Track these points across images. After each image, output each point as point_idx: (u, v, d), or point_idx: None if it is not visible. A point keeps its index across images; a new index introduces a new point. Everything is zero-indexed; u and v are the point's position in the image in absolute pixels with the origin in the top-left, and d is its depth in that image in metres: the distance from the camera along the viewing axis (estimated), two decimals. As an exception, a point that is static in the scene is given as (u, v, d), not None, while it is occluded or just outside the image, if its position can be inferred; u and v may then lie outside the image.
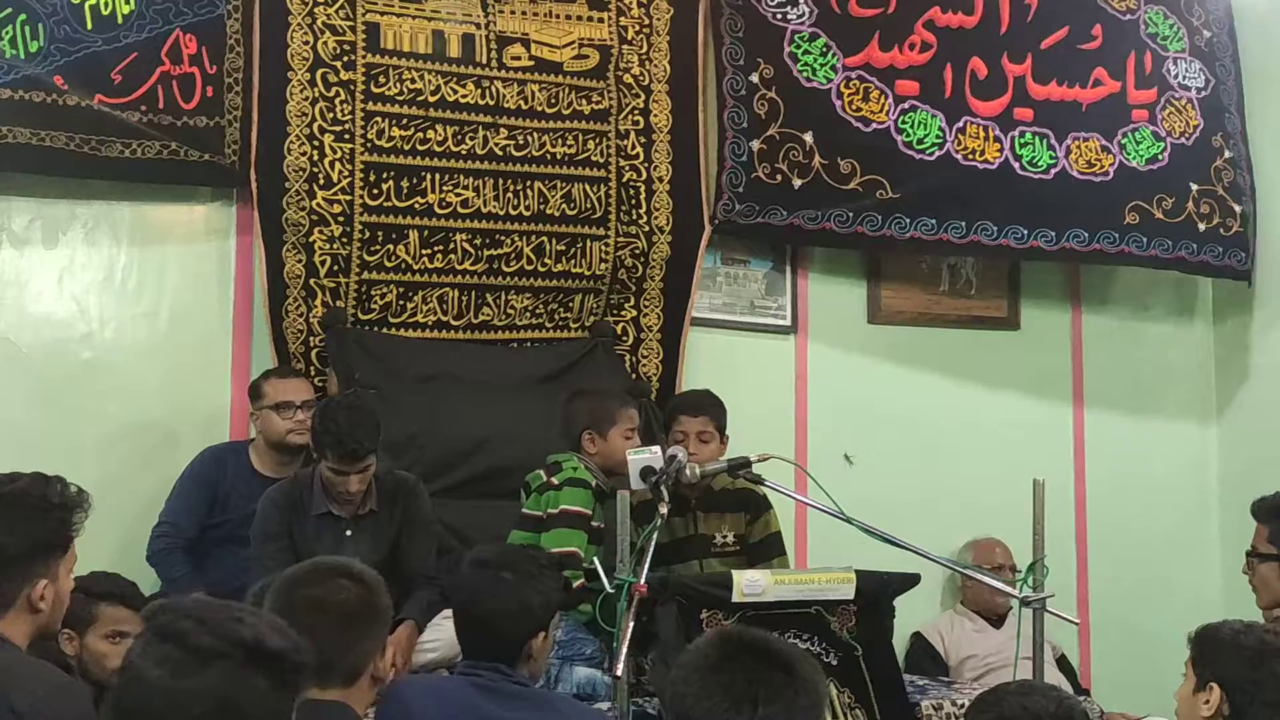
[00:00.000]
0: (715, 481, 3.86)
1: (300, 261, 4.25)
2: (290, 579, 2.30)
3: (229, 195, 4.31)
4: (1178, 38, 5.43)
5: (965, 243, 5.05)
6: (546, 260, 4.54)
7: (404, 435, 4.07)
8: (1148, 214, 5.24)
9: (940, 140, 5.01)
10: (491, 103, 4.45)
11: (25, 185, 4.08)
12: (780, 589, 3.22)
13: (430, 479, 3.96)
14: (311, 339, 4.28)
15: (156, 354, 4.24)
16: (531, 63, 4.54)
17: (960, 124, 5.04)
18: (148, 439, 4.19)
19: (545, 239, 4.53)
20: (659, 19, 4.75)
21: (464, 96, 4.43)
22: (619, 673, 2.72)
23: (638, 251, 4.66)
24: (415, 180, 4.36)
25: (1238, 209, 5.39)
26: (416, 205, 4.36)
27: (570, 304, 4.62)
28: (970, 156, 5.05)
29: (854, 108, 4.92)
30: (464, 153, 4.41)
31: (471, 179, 4.43)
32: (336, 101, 4.28)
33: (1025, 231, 5.09)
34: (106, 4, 4.07)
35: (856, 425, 5.02)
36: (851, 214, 4.87)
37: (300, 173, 4.22)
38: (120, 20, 4.09)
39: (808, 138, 4.85)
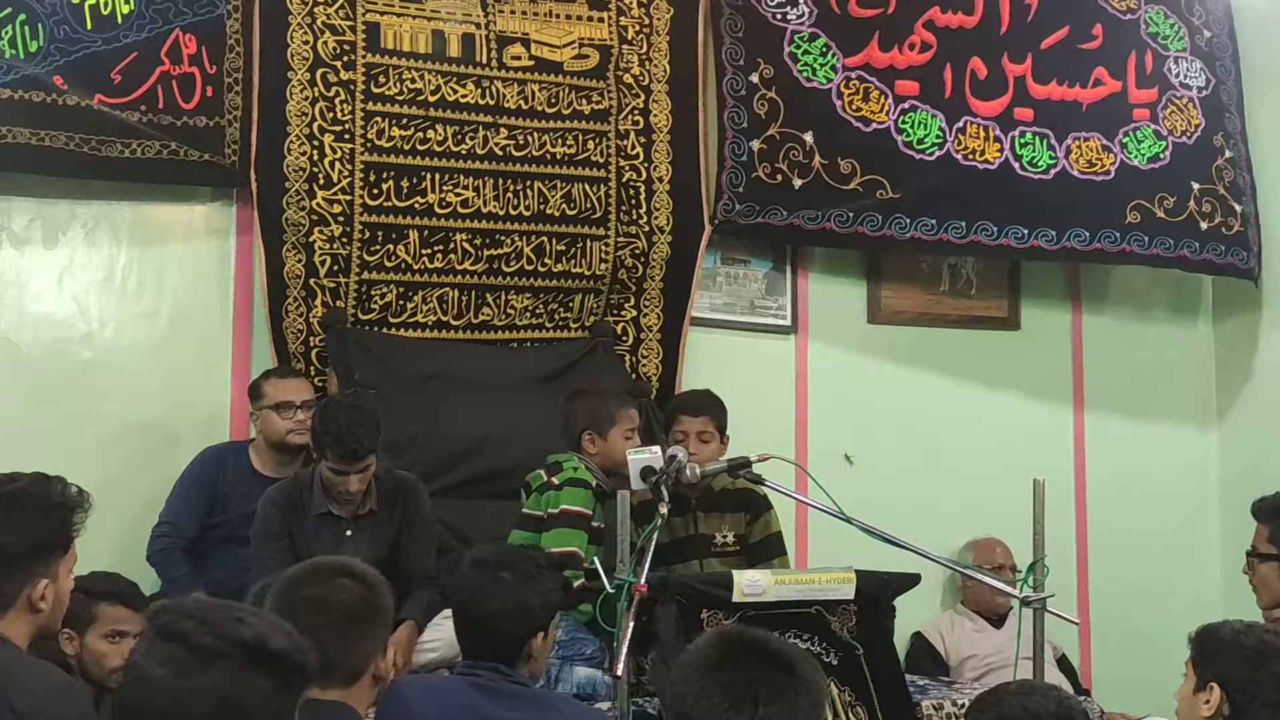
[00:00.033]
0: (715, 481, 3.86)
1: (300, 261, 4.25)
2: (291, 579, 2.30)
3: (229, 195, 4.31)
4: (1178, 37, 5.43)
5: (965, 243, 5.05)
6: (546, 260, 4.54)
7: (404, 435, 4.07)
8: (1149, 213, 5.24)
9: (940, 140, 5.01)
10: (491, 102, 4.45)
11: (25, 185, 4.08)
12: (780, 589, 3.22)
13: (430, 479, 3.96)
14: (311, 339, 4.28)
15: (156, 354, 4.24)
16: (531, 62, 4.54)
17: (960, 124, 5.05)
18: (148, 439, 4.19)
19: (545, 239, 4.53)
20: (659, 19, 4.75)
21: (464, 96, 4.43)
22: (619, 673, 2.71)
23: (638, 251, 4.66)
24: (415, 180, 4.35)
25: (1238, 208, 5.39)
26: (416, 205, 4.36)
27: (570, 304, 4.62)
28: (970, 156, 5.05)
29: (854, 108, 4.92)
30: (464, 153, 4.41)
31: (471, 179, 4.43)
32: (336, 101, 4.28)
33: (1026, 231, 5.09)
34: (106, 4, 4.07)
35: (856, 425, 5.02)
36: (851, 214, 4.87)
37: (300, 173, 4.22)
38: (120, 20, 4.09)
39: (808, 138, 4.85)
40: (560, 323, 4.62)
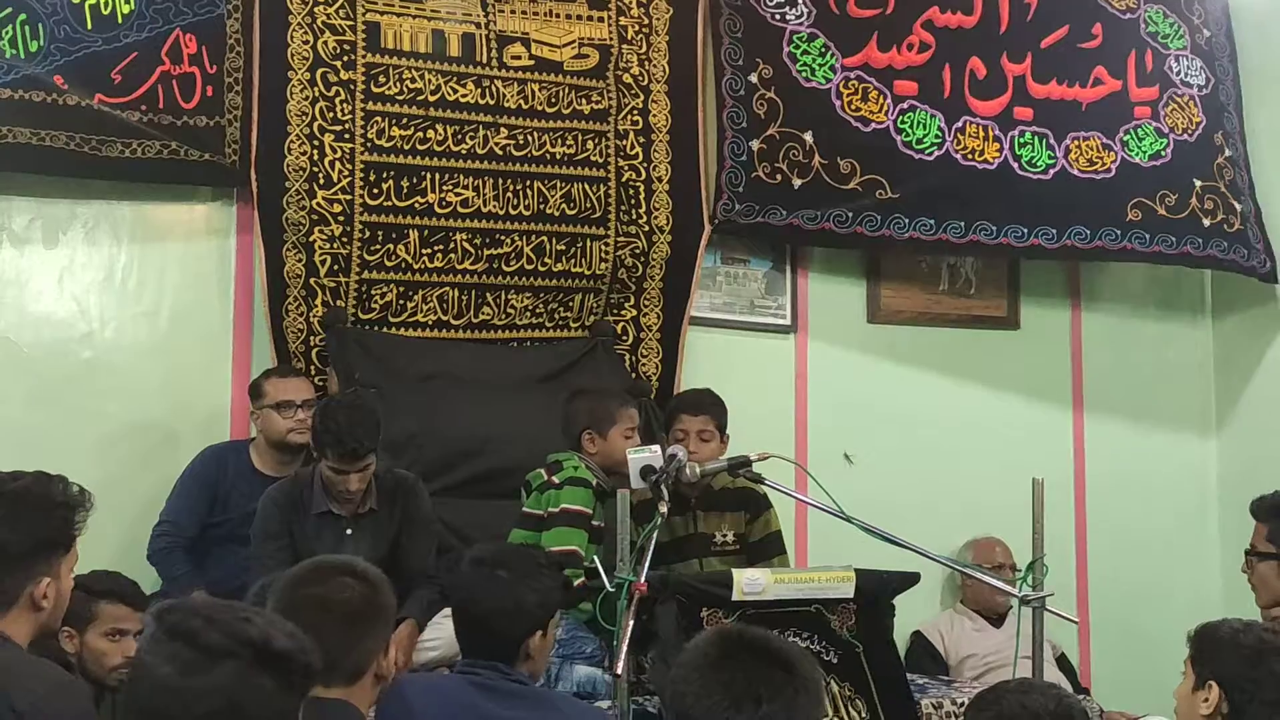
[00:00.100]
0: (715, 480, 3.87)
1: (300, 261, 4.25)
2: (294, 577, 2.31)
3: (229, 195, 4.32)
4: (1178, 35, 5.43)
5: (965, 242, 5.05)
6: (546, 260, 4.54)
7: (404, 434, 4.08)
8: (1150, 210, 5.24)
9: (940, 140, 5.02)
10: (491, 102, 4.46)
11: (25, 185, 4.09)
12: (780, 588, 3.22)
13: (430, 478, 3.96)
14: (312, 338, 4.28)
15: (157, 353, 4.24)
16: (531, 62, 4.54)
17: (959, 124, 5.05)
18: (148, 439, 4.20)
19: (545, 239, 4.53)
20: (658, 19, 4.76)
21: (464, 96, 4.43)
22: (619, 671, 2.72)
23: (638, 251, 4.66)
24: (415, 180, 4.36)
25: (1238, 207, 5.40)
26: (416, 205, 4.37)
27: (570, 303, 4.62)
28: (970, 156, 5.05)
29: (853, 108, 4.92)
30: (464, 152, 4.42)
31: (471, 179, 4.43)
32: (336, 101, 4.29)
33: (1026, 230, 5.09)
34: (106, 4, 4.07)
35: (856, 424, 5.02)
36: (850, 214, 4.88)
37: (300, 172, 4.23)
38: (120, 20, 4.09)
39: (808, 137, 4.85)
40: (560, 322, 4.63)
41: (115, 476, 4.01)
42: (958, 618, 4.91)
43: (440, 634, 3.49)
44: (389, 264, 4.35)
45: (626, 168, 4.66)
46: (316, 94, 4.26)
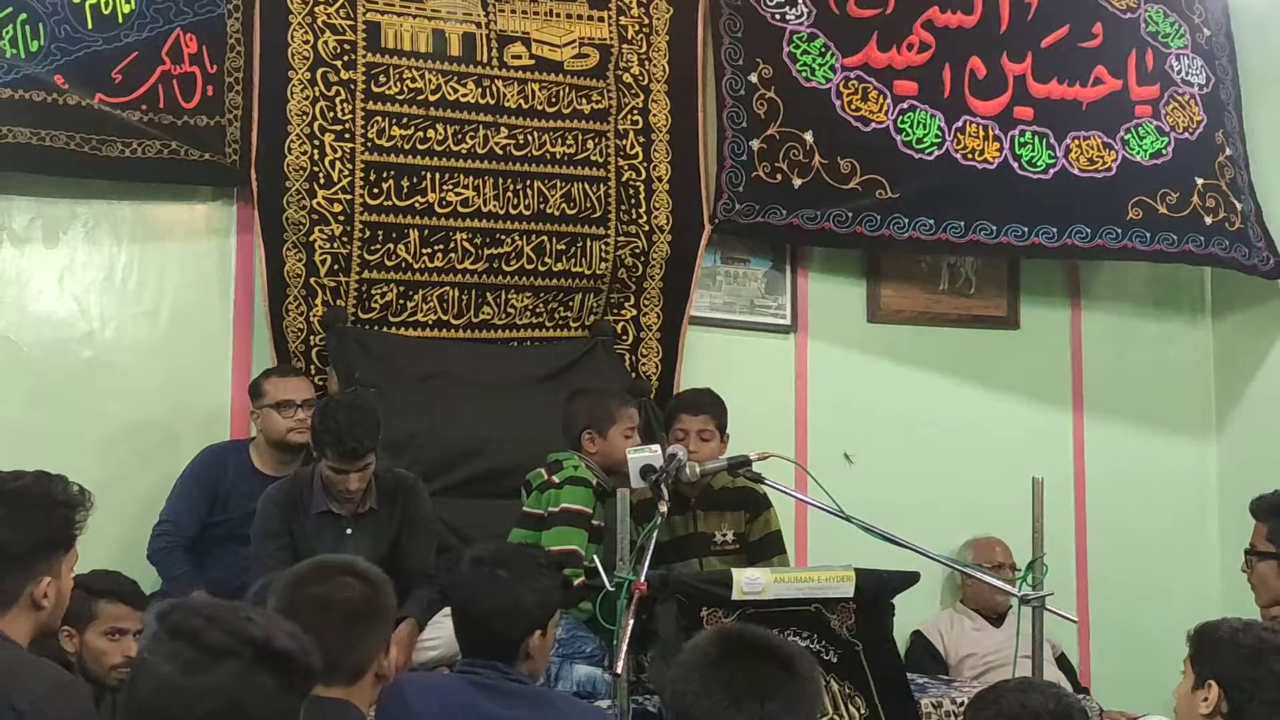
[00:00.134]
0: (715, 480, 3.87)
1: (300, 260, 4.25)
2: (295, 577, 2.31)
3: (229, 194, 4.32)
4: (1179, 34, 5.43)
5: (964, 242, 5.05)
6: (546, 259, 4.54)
7: (404, 434, 4.08)
8: (1151, 209, 5.24)
9: (939, 140, 5.02)
10: (492, 102, 4.46)
11: (25, 184, 4.09)
12: (780, 587, 3.22)
13: (430, 478, 3.96)
14: (312, 338, 4.28)
15: (157, 353, 4.24)
16: (532, 62, 4.54)
17: (959, 123, 5.05)
18: (148, 438, 4.20)
19: (545, 238, 4.53)
20: (658, 19, 4.76)
21: (464, 96, 4.43)
22: (619, 670, 2.72)
23: (638, 251, 4.66)
24: (415, 179, 4.36)
25: (1239, 206, 5.40)
26: (417, 204, 4.37)
27: (570, 303, 4.62)
28: (969, 156, 5.05)
29: (853, 107, 4.92)
30: (464, 152, 4.42)
31: (471, 178, 4.43)
32: (337, 101, 4.29)
33: (1026, 229, 5.09)
34: (107, 3, 4.07)
35: (856, 424, 5.02)
36: (850, 214, 4.88)
37: (300, 172, 4.23)
38: (121, 20, 4.09)
39: (808, 137, 4.85)
40: (560, 322, 4.63)
41: (115, 476, 4.01)
42: (957, 617, 4.92)
43: (440, 633, 3.49)
44: (389, 264, 4.35)
45: (626, 167, 4.66)
46: (317, 94, 4.27)
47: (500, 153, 4.46)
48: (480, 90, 4.45)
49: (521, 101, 4.50)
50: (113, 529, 3.81)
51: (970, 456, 5.15)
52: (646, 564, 2.87)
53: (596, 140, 4.61)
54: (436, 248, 4.40)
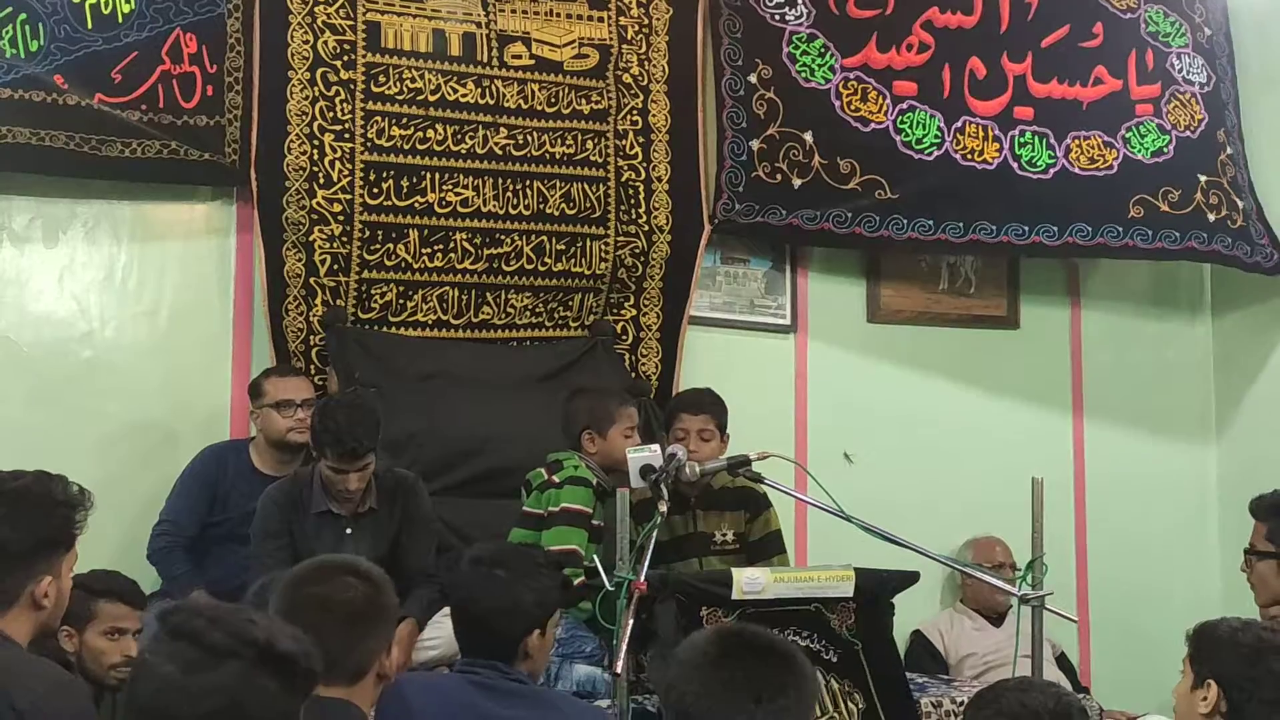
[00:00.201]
0: (715, 480, 3.87)
1: (300, 260, 4.25)
2: (296, 577, 2.31)
3: (229, 194, 4.32)
4: (1180, 34, 5.43)
5: (964, 241, 5.05)
6: (546, 259, 4.54)
7: (404, 434, 4.08)
8: (1153, 206, 5.23)
9: (939, 140, 5.02)
10: (491, 102, 4.46)
11: (25, 184, 4.09)
12: (780, 586, 3.23)
13: (430, 478, 3.97)
14: (311, 337, 4.28)
15: (157, 353, 4.25)
16: (532, 62, 4.54)
17: (959, 124, 5.05)
18: (148, 438, 4.20)
19: (545, 238, 4.53)
20: (658, 19, 4.76)
21: (464, 96, 4.43)
22: (619, 670, 2.72)
23: (637, 251, 4.66)
24: (415, 179, 4.36)
25: (1240, 204, 5.40)
26: (416, 204, 4.37)
27: (570, 303, 4.63)
28: (969, 156, 5.05)
29: (852, 108, 4.92)
30: (464, 152, 4.42)
31: (471, 178, 4.43)
32: (336, 101, 4.29)
33: (1027, 228, 5.09)
34: (107, 3, 4.07)
35: (856, 424, 5.02)
36: (849, 214, 4.88)
37: (300, 172, 4.23)
38: (120, 19, 4.09)
39: (808, 137, 4.85)
40: (560, 322, 4.63)
41: (115, 476, 4.01)
42: (957, 617, 4.92)
43: (440, 633, 3.49)
44: (389, 263, 4.35)
45: (626, 167, 4.66)
46: (316, 94, 4.27)
47: (500, 153, 4.46)
48: (480, 90, 4.45)
49: (521, 101, 4.50)
50: (113, 529, 3.82)
51: (970, 456, 5.15)
52: (646, 564, 2.87)
53: (596, 140, 4.61)
54: (436, 248, 4.40)
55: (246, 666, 1.61)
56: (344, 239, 4.28)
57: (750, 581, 3.19)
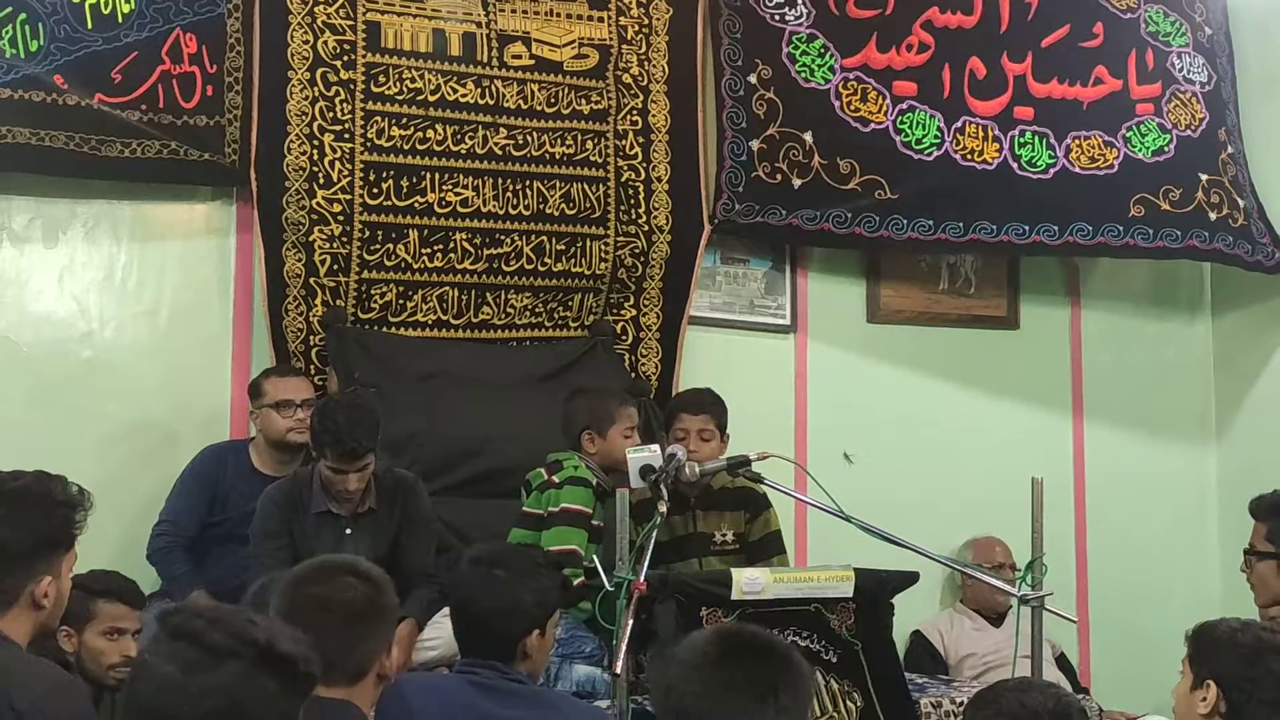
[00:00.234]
0: (715, 480, 3.87)
1: (300, 260, 4.25)
2: (296, 577, 2.31)
3: (229, 194, 4.32)
4: (1180, 33, 5.43)
5: (964, 241, 5.05)
6: (546, 260, 4.54)
7: (404, 434, 4.08)
8: (1154, 205, 5.23)
9: (939, 140, 5.02)
10: (491, 102, 4.46)
11: (25, 184, 4.09)
12: (779, 587, 3.23)
13: (430, 478, 3.97)
14: (311, 338, 4.28)
15: (157, 353, 4.25)
16: (532, 62, 4.54)
17: (959, 124, 5.05)
18: (148, 438, 4.20)
19: (545, 238, 4.53)
20: (658, 19, 4.76)
21: (464, 96, 4.43)
22: (618, 670, 2.72)
23: (637, 251, 4.67)
24: (415, 180, 4.36)
25: (1241, 203, 5.40)
26: (416, 204, 4.37)
27: (570, 303, 4.63)
28: (969, 156, 5.05)
29: (852, 108, 4.92)
30: (464, 152, 4.42)
31: (471, 178, 4.43)
32: (336, 101, 4.29)
33: (1027, 228, 5.09)
34: (107, 3, 4.07)
35: (856, 424, 5.02)
36: (849, 214, 4.88)
37: (300, 172, 4.23)
38: (120, 19, 4.09)
39: (808, 137, 4.86)
40: (560, 322, 4.63)
41: (115, 476, 4.01)
42: (957, 617, 4.92)
43: (440, 633, 3.49)
44: (389, 264, 4.35)
45: (626, 168, 4.66)
46: (316, 94, 4.27)
47: (500, 153, 4.46)
48: (480, 90, 4.45)
49: (521, 102, 4.50)
50: (113, 529, 3.82)
51: (970, 456, 5.15)
52: (646, 564, 2.87)
53: (596, 140, 4.61)
54: (436, 248, 4.40)
55: (246, 667, 1.61)
56: (344, 239, 4.29)
57: (750, 582, 3.19)
